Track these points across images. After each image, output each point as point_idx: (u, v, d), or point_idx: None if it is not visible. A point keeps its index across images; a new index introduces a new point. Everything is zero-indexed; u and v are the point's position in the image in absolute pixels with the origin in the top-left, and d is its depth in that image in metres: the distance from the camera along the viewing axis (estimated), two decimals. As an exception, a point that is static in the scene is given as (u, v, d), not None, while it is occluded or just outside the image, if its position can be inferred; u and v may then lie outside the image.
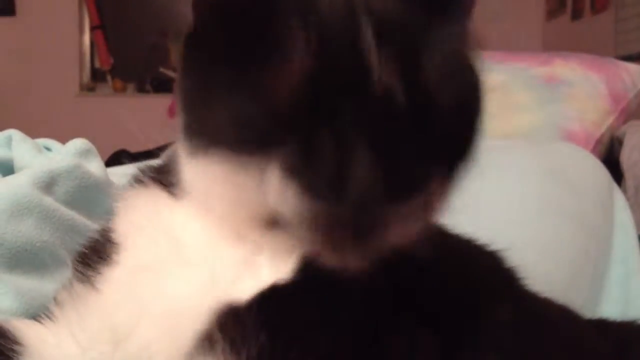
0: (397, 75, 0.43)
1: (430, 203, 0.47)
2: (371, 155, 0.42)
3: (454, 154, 0.49)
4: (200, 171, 0.49)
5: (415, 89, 0.44)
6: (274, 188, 0.44)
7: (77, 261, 0.55)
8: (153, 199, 0.54)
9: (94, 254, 0.54)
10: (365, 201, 0.42)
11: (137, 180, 0.57)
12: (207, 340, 0.44)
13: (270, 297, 0.46)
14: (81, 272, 0.53)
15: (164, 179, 0.55)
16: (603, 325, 0.74)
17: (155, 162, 0.59)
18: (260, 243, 0.49)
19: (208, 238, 0.50)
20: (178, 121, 0.51)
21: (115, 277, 0.51)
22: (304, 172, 0.43)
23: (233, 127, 0.45)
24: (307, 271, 0.46)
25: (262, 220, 0.48)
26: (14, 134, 0.88)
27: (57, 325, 0.52)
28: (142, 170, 0.58)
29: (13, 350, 0.49)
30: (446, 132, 0.47)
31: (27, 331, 0.52)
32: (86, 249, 0.56)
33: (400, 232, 0.44)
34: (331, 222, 0.43)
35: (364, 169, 0.42)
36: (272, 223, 0.47)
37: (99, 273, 0.52)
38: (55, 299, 0.54)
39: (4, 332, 0.51)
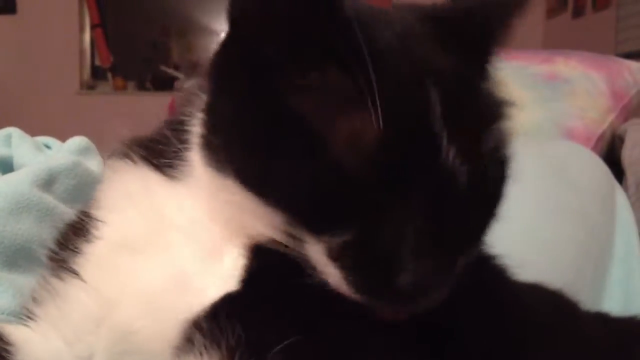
0: (461, 156, 0.43)
1: None
2: (441, 253, 0.43)
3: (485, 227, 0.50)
4: (213, 181, 0.49)
5: (473, 170, 0.44)
6: (319, 259, 0.45)
7: (55, 246, 0.55)
8: (142, 177, 0.54)
9: (74, 233, 0.53)
10: (428, 299, 0.43)
11: (126, 155, 0.56)
12: (186, 339, 0.44)
13: (239, 293, 0.46)
14: (57, 259, 0.53)
15: (154, 158, 0.54)
16: (603, 319, 0.74)
17: (142, 137, 0.57)
18: (234, 239, 0.49)
19: (194, 221, 0.50)
20: (198, 129, 0.51)
21: (95, 253, 0.51)
22: (361, 267, 0.43)
23: (281, 182, 0.44)
24: (272, 264, 0.47)
25: (240, 234, 0.49)
26: (14, 132, 0.88)
27: (40, 324, 0.52)
28: (129, 146, 0.56)
29: (6, 351, 0.50)
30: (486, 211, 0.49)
31: (14, 333, 0.52)
32: (64, 230, 0.56)
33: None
34: (383, 308, 0.45)
35: (434, 275, 0.42)
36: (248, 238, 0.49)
37: (78, 252, 0.51)
38: (33, 297, 0.53)
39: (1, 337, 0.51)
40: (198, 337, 0.44)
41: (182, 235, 0.49)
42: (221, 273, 0.47)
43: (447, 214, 0.43)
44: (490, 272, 0.62)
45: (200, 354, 0.43)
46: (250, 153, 0.46)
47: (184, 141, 0.53)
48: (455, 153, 0.43)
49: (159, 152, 0.54)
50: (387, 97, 0.41)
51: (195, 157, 0.51)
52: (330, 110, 0.43)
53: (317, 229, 0.44)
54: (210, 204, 0.50)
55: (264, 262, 0.47)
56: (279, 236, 0.46)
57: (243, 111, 0.46)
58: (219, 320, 0.44)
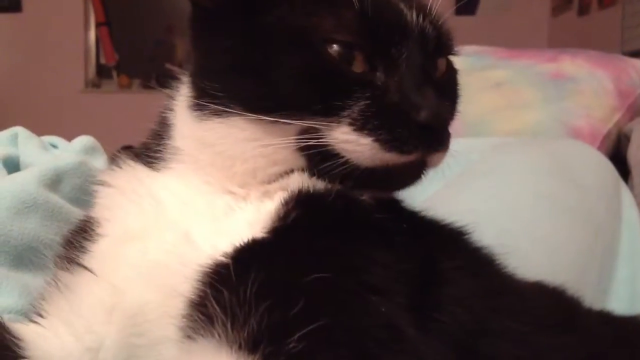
0: (424, 18, 0.54)
1: None
2: (437, 94, 0.51)
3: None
4: (212, 134, 0.53)
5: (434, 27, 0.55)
6: (347, 139, 0.50)
7: (63, 247, 0.56)
8: (133, 172, 0.58)
9: (80, 235, 0.55)
10: (442, 143, 0.52)
11: (115, 163, 0.60)
12: (203, 314, 0.44)
13: (253, 252, 0.46)
14: (67, 257, 0.54)
15: (140, 158, 0.59)
16: (606, 316, 0.74)
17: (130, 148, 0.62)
18: (245, 195, 0.52)
19: (190, 197, 0.53)
20: (188, 89, 0.56)
21: (102, 249, 0.53)
22: (386, 121, 0.49)
23: (290, 88, 0.50)
24: (291, 221, 0.49)
25: (259, 174, 0.53)
26: (20, 131, 0.89)
27: (49, 320, 0.52)
28: (116, 156, 0.61)
29: (17, 346, 0.50)
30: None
31: (24, 329, 0.52)
32: (71, 233, 0.57)
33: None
34: (404, 164, 0.51)
35: (442, 111, 0.51)
36: (267, 177, 0.53)
37: (86, 252, 0.53)
38: (41, 295, 0.54)
39: (7, 329, 0.51)
40: (213, 307, 0.43)
41: (178, 210, 0.52)
42: (227, 230, 0.49)
43: (429, 61, 0.54)
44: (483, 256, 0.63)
45: (219, 335, 0.42)
46: (256, 79, 0.51)
47: (166, 136, 0.58)
48: (416, 14, 0.53)
49: (144, 154, 0.58)
50: None
51: (181, 133, 0.56)
52: (314, 8, 0.51)
53: (337, 109, 0.49)
54: (205, 171, 0.54)
55: (281, 228, 0.49)
56: (298, 142, 0.51)
57: (238, 48, 0.53)
58: (235, 284, 0.43)
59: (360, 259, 0.48)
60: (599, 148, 1.40)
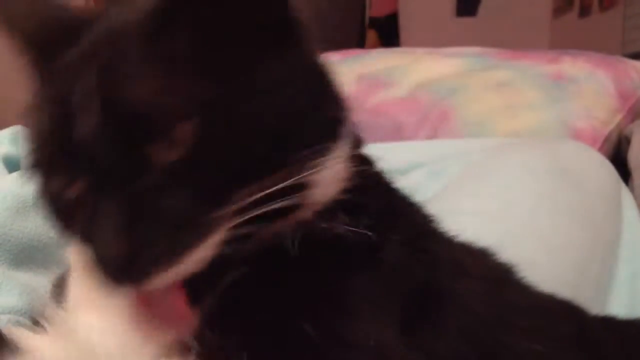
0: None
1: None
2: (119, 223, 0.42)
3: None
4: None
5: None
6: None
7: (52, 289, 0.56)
8: None
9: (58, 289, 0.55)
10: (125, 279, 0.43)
11: None
12: None
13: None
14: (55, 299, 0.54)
15: None
16: (608, 322, 0.74)
17: None
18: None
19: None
20: None
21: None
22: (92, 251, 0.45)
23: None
24: None
25: None
26: (21, 130, 0.89)
27: (51, 336, 0.52)
28: None
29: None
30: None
31: (26, 341, 0.52)
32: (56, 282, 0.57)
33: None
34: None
35: (115, 247, 0.42)
36: None
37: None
38: (44, 313, 0.54)
39: (7, 341, 0.51)
40: None
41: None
42: None
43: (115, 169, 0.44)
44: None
45: None
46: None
47: None
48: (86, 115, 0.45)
49: None
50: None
51: None
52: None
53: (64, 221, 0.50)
54: None
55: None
56: None
57: None
58: None
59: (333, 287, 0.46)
60: (600, 150, 1.40)
